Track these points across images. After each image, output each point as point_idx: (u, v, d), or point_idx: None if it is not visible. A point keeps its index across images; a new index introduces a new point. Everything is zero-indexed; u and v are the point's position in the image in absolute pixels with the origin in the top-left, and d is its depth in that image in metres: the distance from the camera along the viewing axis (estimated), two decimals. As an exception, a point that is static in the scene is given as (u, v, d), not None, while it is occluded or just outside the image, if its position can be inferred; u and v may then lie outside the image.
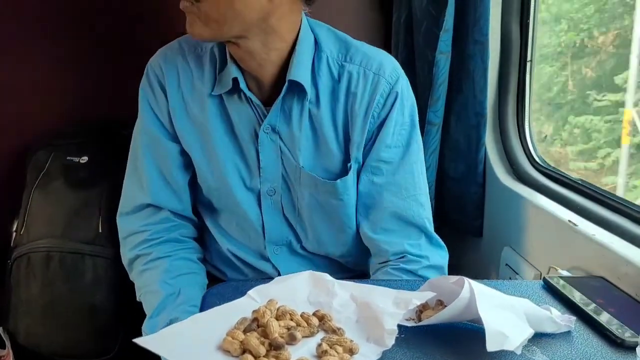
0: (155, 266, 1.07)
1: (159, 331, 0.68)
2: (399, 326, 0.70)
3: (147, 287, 1.07)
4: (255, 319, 0.72)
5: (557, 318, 0.76)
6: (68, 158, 1.34)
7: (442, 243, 1.11)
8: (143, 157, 1.10)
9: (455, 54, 1.39)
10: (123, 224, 1.12)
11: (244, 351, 0.65)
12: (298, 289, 0.81)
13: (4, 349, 1.33)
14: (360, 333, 0.71)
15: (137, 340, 0.65)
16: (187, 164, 1.11)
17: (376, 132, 1.06)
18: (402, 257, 1.07)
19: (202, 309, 0.78)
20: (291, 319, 0.73)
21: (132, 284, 1.11)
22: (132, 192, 1.11)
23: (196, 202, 1.16)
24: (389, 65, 1.07)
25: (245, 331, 0.69)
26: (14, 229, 1.35)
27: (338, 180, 1.06)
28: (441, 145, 1.46)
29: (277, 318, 0.72)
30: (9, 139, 1.49)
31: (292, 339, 0.68)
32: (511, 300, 0.74)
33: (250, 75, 1.04)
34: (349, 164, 1.06)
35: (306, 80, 1.03)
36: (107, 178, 1.33)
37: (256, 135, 1.06)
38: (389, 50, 1.48)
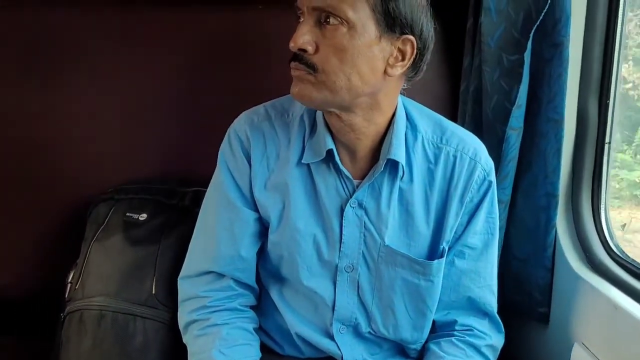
0: (212, 332, 1.06)
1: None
2: None
3: (202, 353, 1.05)
4: None
5: None
6: (128, 214, 1.34)
7: (502, 328, 1.14)
8: (215, 220, 1.09)
9: (526, 130, 1.33)
10: (184, 287, 1.11)
11: None
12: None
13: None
14: None
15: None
16: (260, 232, 1.10)
17: (467, 218, 1.08)
18: (469, 330, 1.11)
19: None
20: None
21: (182, 351, 1.09)
22: (198, 256, 1.11)
23: (259, 269, 1.14)
24: (484, 152, 1.10)
25: None
26: (69, 280, 1.36)
27: (435, 261, 1.06)
28: (507, 224, 1.39)
29: None
30: (73, 188, 1.51)
31: None
32: None
33: (343, 147, 1.04)
34: (441, 247, 1.07)
35: (402, 159, 1.03)
36: (163, 238, 1.32)
37: (341, 209, 1.05)
38: (455, 121, 1.44)
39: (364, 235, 1.06)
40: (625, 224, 1.32)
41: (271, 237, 1.08)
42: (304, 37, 0.93)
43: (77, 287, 1.30)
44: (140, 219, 1.34)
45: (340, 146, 1.04)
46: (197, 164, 1.42)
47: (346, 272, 1.07)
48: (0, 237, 1.50)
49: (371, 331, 1.11)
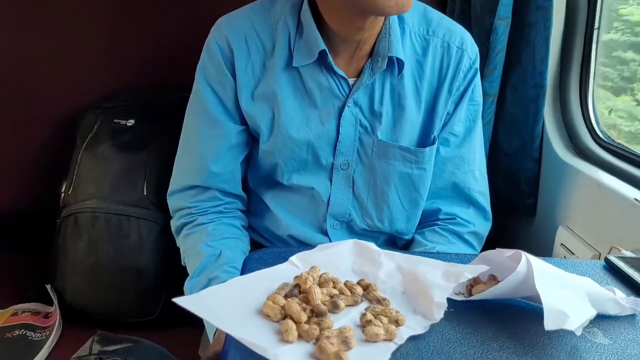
0: (199, 230, 1.07)
1: (199, 292, 0.66)
2: (448, 300, 0.66)
3: (190, 249, 1.07)
4: (297, 285, 0.69)
5: (621, 300, 0.70)
6: (115, 121, 1.34)
7: (490, 216, 1.15)
8: (197, 139, 1.08)
9: (515, 21, 1.31)
10: (173, 201, 1.12)
11: (284, 316, 0.63)
12: (342, 257, 0.77)
13: (52, 306, 1.36)
14: (406, 305, 0.68)
15: (177, 300, 0.63)
16: (245, 143, 1.10)
17: (453, 106, 1.08)
18: (452, 219, 1.12)
19: (242, 273, 0.76)
20: (334, 287, 0.70)
21: (177, 249, 1.12)
22: (182, 173, 1.10)
23: (249, 176, 1.14)
24: (470, 40, 1.09)
25: (286, 296, 0.67)
26: (63, 189, 1.37)
27: (427, 148, 1.07)
28: (495, 119, 1.39)
29: (320, 285, 0.69)
30: (60, 102, 1.51)
31: (334, 307, 0.65)
32: (572, 278, 0.69)
33: (343, 46, 1.01)
34: (432, 135, 1.07)
35: (402, 56, 1.02)
36: (152, 142, 1.32)
37: (339, 110, 1.04)
38: (443, 10, 1.41)
39: (359, 132, 1.06)
40: (612, 109, 1.32)
41: (263, 146, 1.07)
42: None
43: (69, 194, 1.31)
44: (128, 124, 1.34)
45: (336, 46, 1.01)
46: (183, 71, 1.40)
47: (342, 169, 1.08)
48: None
49: (366, 227, 1.12)
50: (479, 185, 1.14)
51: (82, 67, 1.51)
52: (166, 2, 1.49)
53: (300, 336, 0.60)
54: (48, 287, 1.36)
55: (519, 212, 1.40)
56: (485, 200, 1.16)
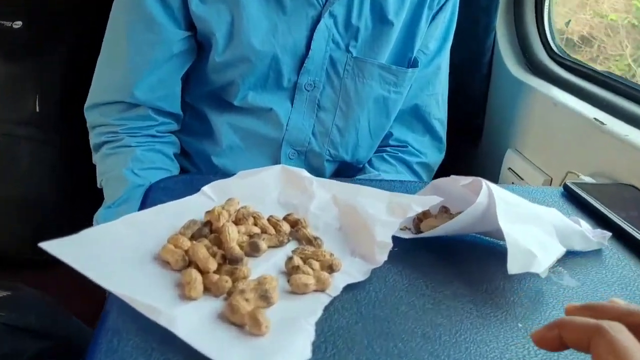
0: (124, 152, 0.90)
1: (77, 234, 0.51)
2: (393, 238, 0.54)
3: (111, 172, 0.90)
4: (207, 223, 0.55)
5: (588, 233, 0.61)
6: (-1, 22, 1.11)
7: (444, 147, 1.07)
8: (128, 44, 0.87)
9: None
10: (92, 116, 0.93)
11: (188, 264, 0.49)
12: (266, 187, 0.64)
13: None
14: (343, 245, 0.56)
15: (45, 245, 0.48)
16: (188, 52, 0.90)
17: (430, 21, 0.97)
18: (403, 146, 1.04)
19: (142, 208, 0.61)
20: (255, 224, 0.56)
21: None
22: (106, 86, 0.91)
23: (190, 91, 0.96)
24: None
25: (193, 238, 0.53)
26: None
27: (409, 70, 0.95)
28: (443, 29, 1.25)
29: (237, 222, 0.56)
30: None
31: (254, 250, 0.52)
32: (537, 209, 0.58)
33: None
34: (411, 56, 0.96)
35: None
36: (46, 47, 1.10)
37: (313, 20, 0.88)
38: None
39: (330, 49, 0.90)
40: (570, 20, 1.21)
41: (216, 58, 0.88)
42: None
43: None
44: (15, 27, 1.11)
45: None
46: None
47: (306, 90, 0.92)
48: None
49: (328, 156, 0.99)
50: (440, 112, 1.05)
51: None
52: None
53: (207, 290, 0.47)
54: None
55: (464, 133, 1.30)
56: (442, 130, 1.06)
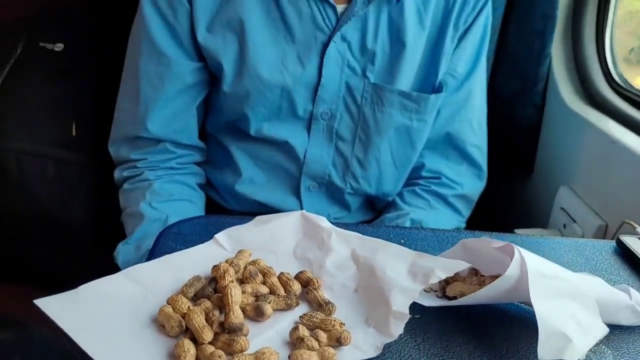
0: (142, 186, 0.89)
1: (72, 291, 0.49)
2: (414, 303, 0.49)
3: (130, 207, 0.89)
4: (212, 280, 0.52)
5: (638, 306, 0.53)
6: (41, 44, 1.12)
7: (485, 175, 0.98)
8: (140, 78, 0.87)
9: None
10: (114, 152, 0.93)
11: (185, 330, 0.46)
12: (283, 237, 0.60)
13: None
14: (356, 311, 0.51)
15: (39, 302, 0.46)
16: (202, 84, 0.89)
17: (457, 42, 0.91)
18: (437, 177, 0.97)
19: (151, 256, 0.58)
20: (264, 282, 0.53)
21: (111, 201, 0.94)
22: (125, 120, 0.90)
23: (208, 121, 0.94)
24: None
25: (196, 297, 0.50)
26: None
27: (432, 95, 0.88)
28: (494, 57, 1.18)
29: (244, 280, 0.52)
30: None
31: (258, 315, 0.49)
32: (578, 281, 0.52)
33: None
34: (436, 80, 0.90)
35: None
36: (86, 72, 1.11)
37: (322, 45, 0.84)
38: None
39: (346, 75, 0.86)
40: (633, 48, 1.11)
41: (226, 89, 0.87)
42: None
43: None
44: (56, 49, 1.13)
45: None
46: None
47: (322, 119, 0.89)
48: None
49: (349, 189, 0.94)
50: (476, 137, 0.97)
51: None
52: None
53: (199, 364, 0.43)
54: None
55: (514, 168, 1.22)
56: (481, 156, 0.98)
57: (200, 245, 0.58)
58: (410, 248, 0.57)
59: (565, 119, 1.08)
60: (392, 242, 0.59)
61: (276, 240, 0.59)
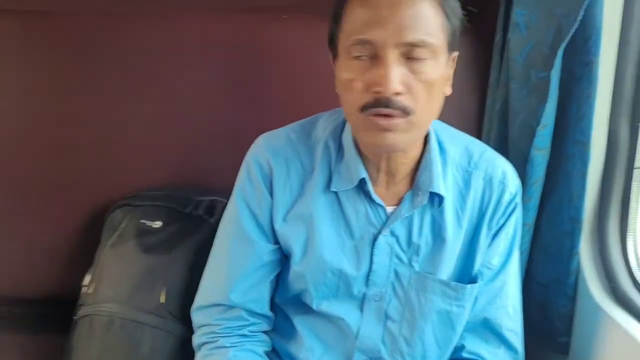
0: (219, 353, 1.04)
1: None
2: None
3: None
4: None
5: None
6: (142, 221, 1.35)
7: (521, 357, 1.08)
8: (228, 253, 1.06)
9: (553, 151, 1.28)
10: (197, 317, 1.09)
11: None
12: None
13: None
14: None
15: None
16: (276, 263, 1.07)
17: (491, 239, 1.04)
18: None
19: None
20: None
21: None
22: (210, 288, 1.08)
23: (277, 295, 1.11)
24: (512, 174, 1.07)
25: None
26: (84, 283, 1.37)
27: (469, 286, 1.02)
28: (531, 248, 1.33)
29: None
30: (94, 193, 1.51)
31: None
32: None
33: (380, 173, 1.01)
34: (472, 271, 1.04)
35: (443, 191, 1.00)
36: (177, 247, 1.31)
37: (373, 237, 1.01)
38: (480, 138, 1.39)
39: (394, 263, 1.02)
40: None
41: (294, 267, 1.04)
42: (397, 78, 0.83)
43: (89, 292, 1.30)
44: (155, 226, 1.34)
45: (374, 171, 1.01)
46: (215, 174, 1.41)
47: (374, 301, 1.03)
48: (21, 236, 1.53)
49: None
50: (512, 322, 1.08)
51: (120, 161, 1.52)
52: (205, 106, 1.51)
53: None
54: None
55: (550, 349, 1.31)
56: (517, 340, 1.09)
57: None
58: None
59: (594, 314, 1.18)
60: None
61: None
